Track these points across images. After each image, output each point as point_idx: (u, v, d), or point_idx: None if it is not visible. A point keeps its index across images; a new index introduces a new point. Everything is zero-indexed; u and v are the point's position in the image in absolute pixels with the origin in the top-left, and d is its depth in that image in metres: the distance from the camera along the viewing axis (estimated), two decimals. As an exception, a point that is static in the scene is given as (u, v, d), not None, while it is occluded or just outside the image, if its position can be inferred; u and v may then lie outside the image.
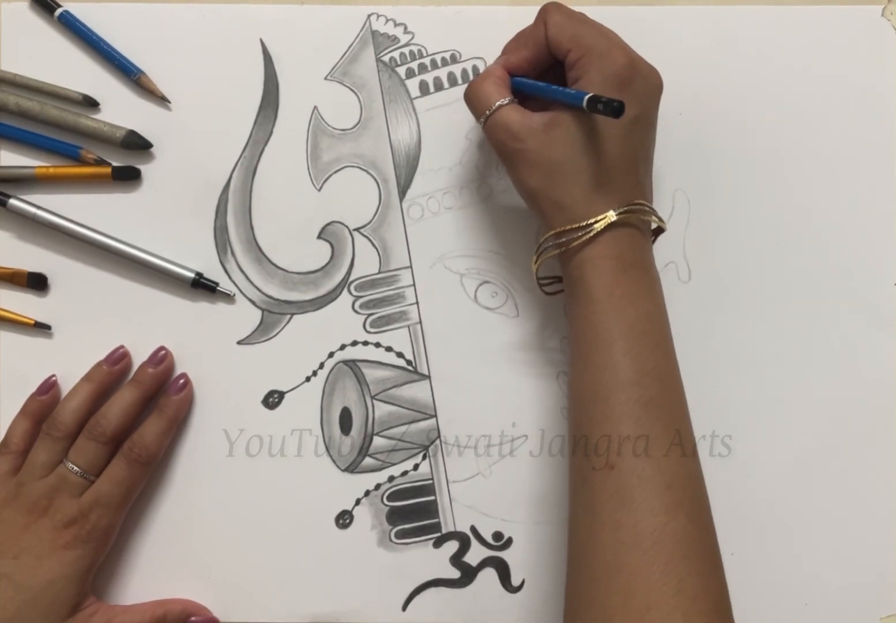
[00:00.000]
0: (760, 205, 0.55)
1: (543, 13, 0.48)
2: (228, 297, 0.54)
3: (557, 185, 0.46)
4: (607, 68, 0.45)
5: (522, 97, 0.48)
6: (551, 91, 0.46)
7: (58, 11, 0.54)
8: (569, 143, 0.45)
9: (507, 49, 0.50)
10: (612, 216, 0.45)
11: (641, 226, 0.47)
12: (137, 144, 0.54)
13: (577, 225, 0.45)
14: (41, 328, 0.54)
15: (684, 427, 0.45)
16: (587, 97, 0.43)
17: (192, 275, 0.53)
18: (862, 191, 0.55)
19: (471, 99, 0.49)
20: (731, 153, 0.55)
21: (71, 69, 0.55)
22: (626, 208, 0.45)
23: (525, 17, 0.55)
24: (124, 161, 0.54)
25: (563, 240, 0.46)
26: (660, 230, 0.49)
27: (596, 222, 0.45)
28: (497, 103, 0.47)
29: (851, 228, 0.55)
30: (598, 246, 0.45)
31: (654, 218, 0.47)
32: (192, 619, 0.51)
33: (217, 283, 0.54)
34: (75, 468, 0.49)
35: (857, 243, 0.55)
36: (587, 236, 0.45)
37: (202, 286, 0.54)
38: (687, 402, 0.46)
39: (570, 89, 0.45)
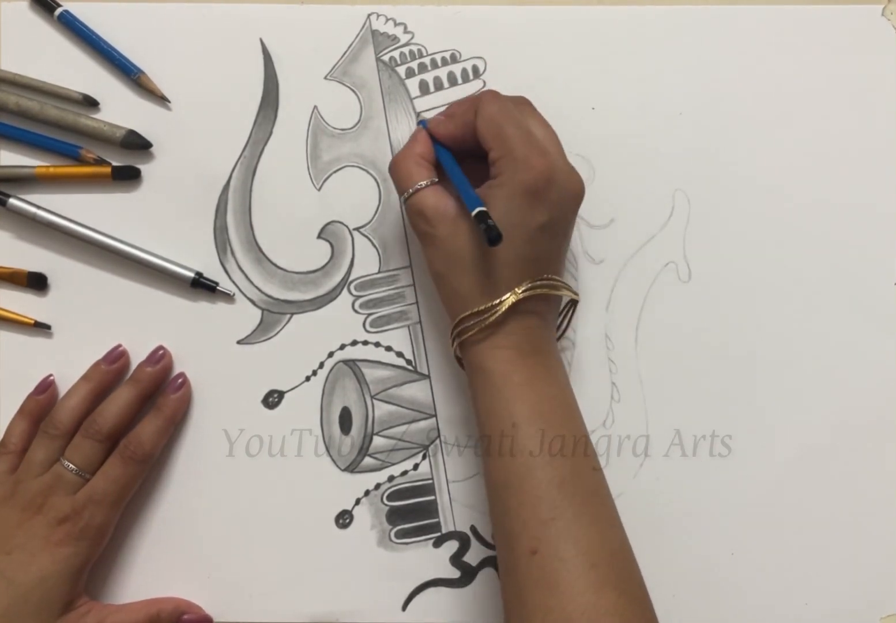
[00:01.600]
0: (760, 205, 0.55)
1: (478, 100, 0.48)
2: (228, 297, 0.54)
3: (457, 275, 0.46)
4: (520, 176, 0.45)
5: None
6: (458, 184, 0.46)
7: (58, 11, 0.54)
8: (473, 238, 0.45)
9: (447, 111, 0.50)
10: (517, 293, 0.45)
11: (544, 312, 0.47)
12: (137, 144, 0.54)
13: (482, 307, 0.45)
14: (41, 328, 0.54)
15: (602, 500, 0.45)
16: (476, 211, 0.43)
17: (191, 274, 0.53)
18: (862, 191, 0.55)
19: (393, 176, 0.49)
20: (731, 153, 0.55)
21: (71, 69, 0.55)
22: (530, 285, 0.45)
23: (525, 17, 0.56)
24: (124, 161, 0.54)
25: (473, 322, 0.46)
26: (575, 302, 0.50)
27: (500, 303, 0.45)
28: (415, 186, 0.47)
29: (851, 228, 0.55)
30: (497, 337, 0.46)
31: (565, 291, 0.47)
32: (185, 616, 0.51)
33: (217, 283, 0.54)
34: (71, 466, 0.49)
35: (857, 243, 0.55)
36: (494, 316, 0.45)
37: (202, 286, 0.54)
38: (603, 474, 0.46)
39: (472, 193, 0.45)
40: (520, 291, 0.45)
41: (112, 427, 0.50)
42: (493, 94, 0.48)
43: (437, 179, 0.48)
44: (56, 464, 0.50)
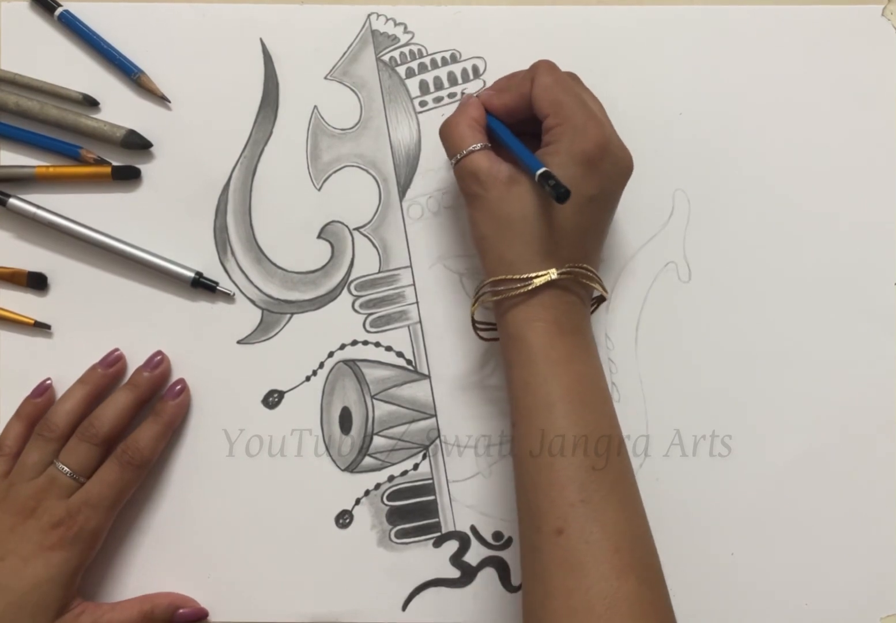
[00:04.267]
0: (760, 205, 0.55)
1: (534, 69, 0.48)
2: (228, 297, 0.54)
3: (504, 240, 0.46)
4: (578, 144, 0.45)
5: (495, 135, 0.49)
6: (515, 148, 0.46)
7: (58, 11, 0.54)
8: (524, 203, 0.46)
9: (497, 85, 0.50)
10: (553, 274, 0.45)
11: (581, 292, 0.47)
12: (137, 144, 0.54)
13: (516, 276, 0.46)
14: (41, 328, 0.54)
15: (629, 487, 0.45)
16: (540, 171, 0.43)
17: (191, 274, 0.53)
18: (862, 190, 0.55)
19: (445, 137, 0.49)
20: (731, 153, 0.55)
21: (71, 69, 0.55)
22: (568, 269, 0.46)
23: (525, 17, 0.56)
24: (124, 161, 0.54)
25: (501, 288, 0.46)
26: (602, 299, 0.49)
27: (536, 277, 0.45)
28: (469, 148, 0.47)
29: (851, 228, 0.55)
30: (536, 308, 0.46)
31: (597, 285, 0.47)
32: (181, 611, 0.51)
33: (217, 283, 0.54)
34: (66, 469, 0.49)
35: (857, 243, 0.55)
36: (525, 289, 0.45)
37: (202, 286, 0.54)
38: (630, 460, 0.46)
39: (531, 156, 0.45)
40: (556, 273, 0.45)
41: (108, 431, 0.50)
42: (550, 65, 0.48)
43: (490, 145, 0.48)
44: (50, 467, 0.49)
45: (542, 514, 0.43)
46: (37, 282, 0.54)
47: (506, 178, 0.46)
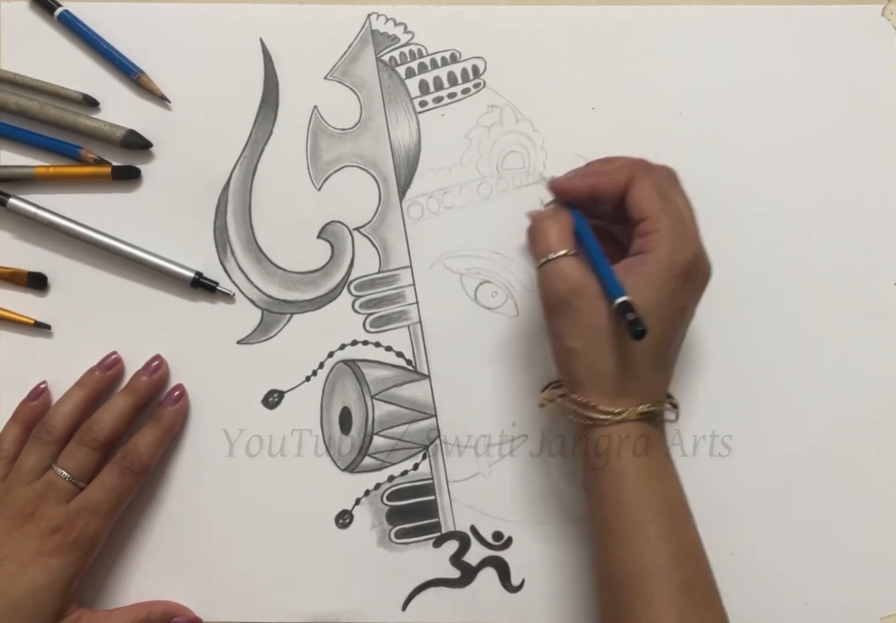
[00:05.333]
0: (760, 205, 0.55)
1: (633, 168, 0.46)
2: (228, 297, 0.54)
3: (599, 352, 0.44)
4: (676, 255, 0.44)
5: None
6: (598, 267, 0.45)
7: (58, 11, 0.54)
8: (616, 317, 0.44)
9: (591, 169, 0.49)
10: (643, 409, 0.45)
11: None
12: (137, 144, 0.54)
13: (605, 409, 0.45)
14: (41, 328, 0.54)
15: (719, 602, 0.44)
16: (619, 301, 0.42)
17: (191, 274, 0.53)
18: (862, 190, 0.55)
19: (533, 238, 0.47)
20: (730, 153, 0.55)
21: (71, 69, 0.55)
22: (651, 408, 0.45)
23: (525, 17, 0.56)
24: (124, 161, 0.54)
25: (591, 414, 0.45)
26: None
27: (624, 411, 0.44)
28: (560, 252, 0.45)
29: (851, 228, 0.55)
30: (627, 423, 0.45)
31: (674, 417, 0.47)
32: (175, 619, 0.51)
33: (217, 283, 0.54)
34: (64, 473, 0.49)
35: (857, 243, 0.55)
36: (614, 420, 0.45)
37: (202, 286, 0.54)
38: (713, 573, 0.45)
39: (615, 278, 0.44)
40: (647, 407, 0.45)
41: (107, 435, 0.50)
42: (649, 166, 0.47)
43: (577, 252, 0.46)
44: (48, 471, 0.49)
45: None
46: (37, 282, 0.54)
47: (597, 289, 0.44)
